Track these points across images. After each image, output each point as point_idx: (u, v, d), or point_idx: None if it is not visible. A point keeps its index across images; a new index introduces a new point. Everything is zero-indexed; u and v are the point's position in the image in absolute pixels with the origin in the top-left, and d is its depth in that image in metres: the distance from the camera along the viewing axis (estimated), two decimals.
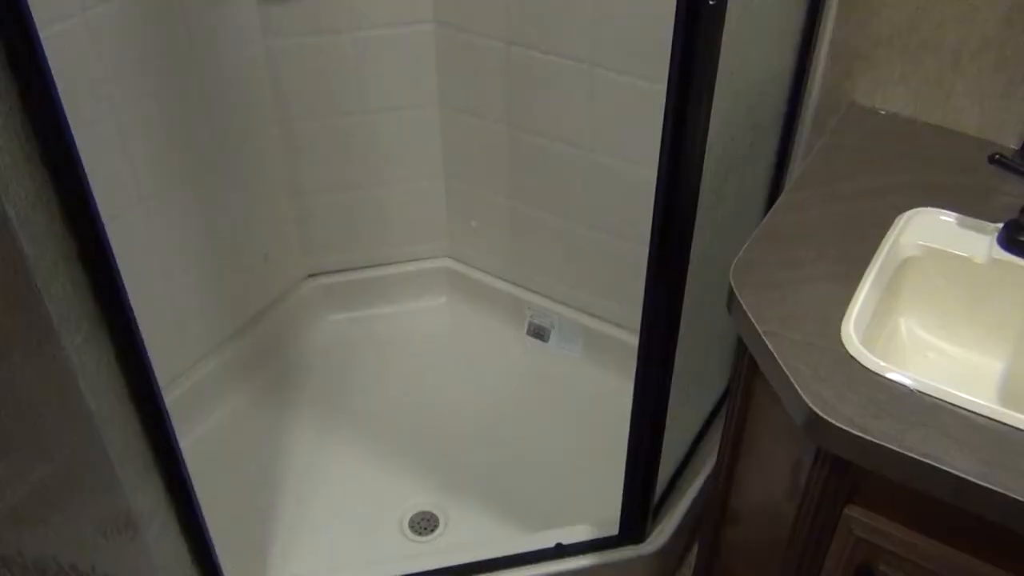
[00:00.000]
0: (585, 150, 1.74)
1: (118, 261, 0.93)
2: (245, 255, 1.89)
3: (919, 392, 0.88)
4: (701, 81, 0.99)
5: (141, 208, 1.59)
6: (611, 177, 1.74)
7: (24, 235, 0.81)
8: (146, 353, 1.01)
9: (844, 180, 1.18)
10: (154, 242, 1.64)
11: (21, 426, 0.84)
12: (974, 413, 0.86)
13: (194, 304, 1.79)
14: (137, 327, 0.98)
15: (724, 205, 1.25)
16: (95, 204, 0.88)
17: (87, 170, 0.87)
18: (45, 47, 0.80)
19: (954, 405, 0.86)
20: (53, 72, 0.81)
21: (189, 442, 1.57)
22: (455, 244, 2.12)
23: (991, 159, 1.04)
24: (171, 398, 1.75)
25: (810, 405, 0.86)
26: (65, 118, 0.81)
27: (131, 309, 0.97)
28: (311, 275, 2.09)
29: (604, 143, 1.71)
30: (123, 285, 0.95)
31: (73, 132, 0.84)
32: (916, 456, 0.81)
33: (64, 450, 0.91)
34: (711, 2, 0.92)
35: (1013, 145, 1.23)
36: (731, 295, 1.02)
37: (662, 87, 0.99)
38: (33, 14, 0.79)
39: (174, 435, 1.11)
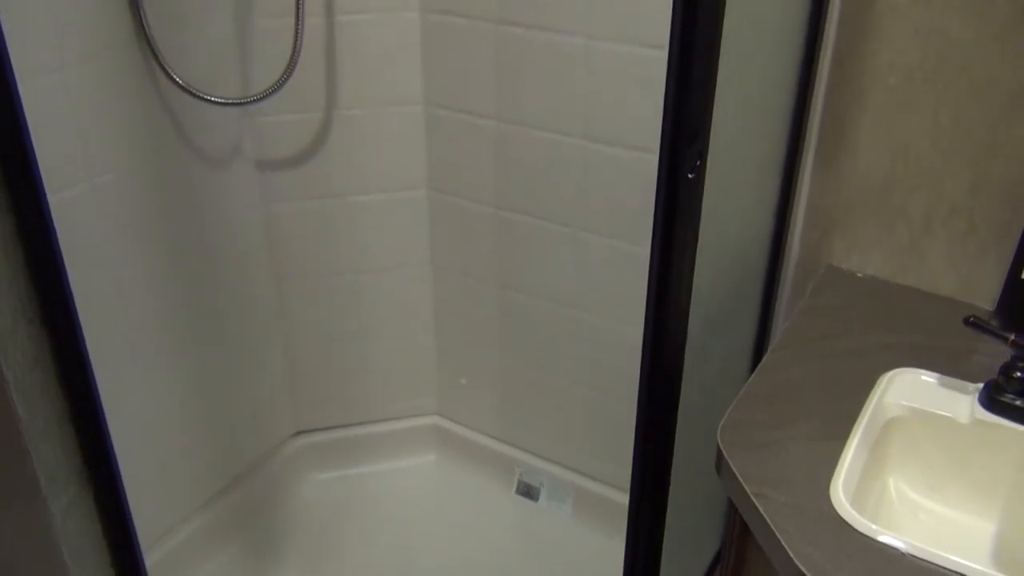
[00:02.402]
0: (573, 309, 1.78)
1: (108, 419, 0.94)
2: (233, 412, 1.89)
3: (912, 556, 0.87)
4: (683, 246, 1.03)
5: (134, 365, 1.60)
6: (599, 336, 1.77)
7: (19, 398, 0.82)
8: (131, 518, 1.00)
9: (826, 341, 1.21)
10: (143, 398, 1.64)
11: None
12: None
13: (180, 462, 1.77)
14: (124, 491, 0.98)
15: (710, 364, 1.27)
16: (91, 367, 0.89)
17: (84, 329, 0.89)
18: (53, 214, 0.84)
19: (948, 570, 0.86)
20: (58, 236, 0.84)
21: None
22: (444, 401, 2.12)
23: (966, 321, 1.07)
24: (155, 558, 1.70)
25: (803, 569, 0.86)
26: (68, 284, 0.84)
27: (119, 472, 0.96)
28: (298, 432, 2.08)
29: (591, 303, 1.75)
30: (112, 447, 0.95)
31: (75, 294, 0.86)
32: None
33: None
34: (690, 175, 0.97)
35: (988, 307, 1.27)
36: (719, 456, 1.03)
37: (647, 250, 1.03)
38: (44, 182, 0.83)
39: None
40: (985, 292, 1.27)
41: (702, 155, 0.98)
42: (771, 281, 1.44)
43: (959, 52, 1.16)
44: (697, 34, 0.90)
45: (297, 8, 1.53)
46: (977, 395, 1.07)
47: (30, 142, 0.79)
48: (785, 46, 1.22)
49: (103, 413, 0.92)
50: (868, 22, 1.20)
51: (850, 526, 0.91)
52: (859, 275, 1.36)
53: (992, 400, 1.05)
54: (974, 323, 1.07)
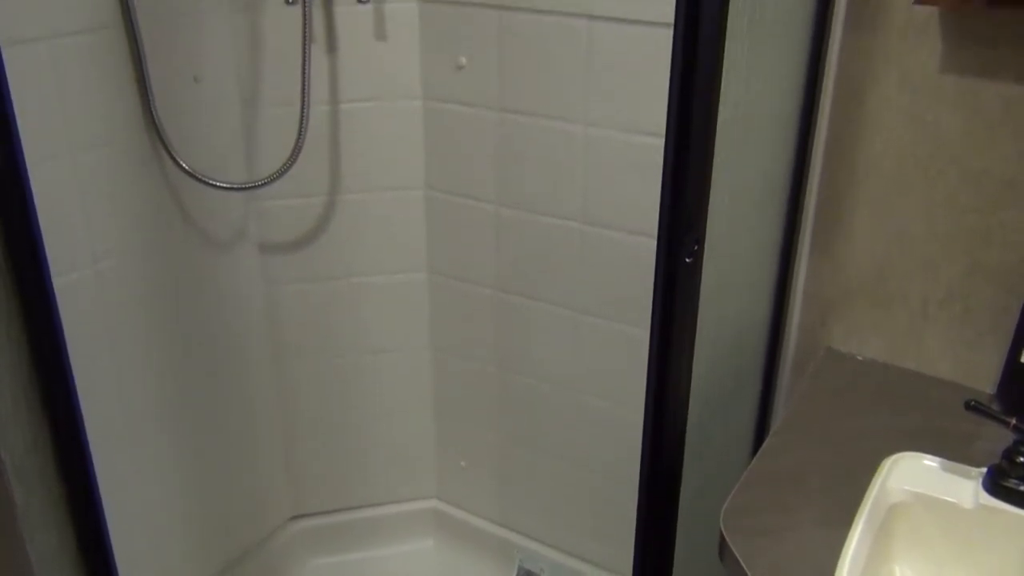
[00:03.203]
0: (573, 392, 1.78)
1: (104, 503, 0.93)
2: (230, 495, 1.86)
3: None
4: (682, 330, 1.04)
5: (131, 447, 1.59)
6: (600, 419, 1.76)
7: (16, 483, 0.82)
8: None
9: (827, 424, 1.21)
10: (138, 480, 1.62)
11: None
12: None
13: (175, 545, 1.74)
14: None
15: (711, 448, 1.26)
16: (90, 453, 0.89)
17: (83, 413, 0.89)
18: (58, 298, 0.85)
19: None
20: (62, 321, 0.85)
21: None
22: (443, 485, 2.10)
23: (967, 406, 1.07)
24: None
25: None
26: (70, 370, 0.84)
27: (114, 558, 0.95)
28: (295, 516, 2.05)
29: (591, 385, 1.75)
30: (108, 532, 0.94)
31: (76, 379, 0.87)
32: None
33: None
34: (687, 259, 0.98)
35: (988, 390, 1.27)
36: (722, 542, 1.01)
37: (646, 332, 1.04)
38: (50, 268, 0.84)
39: None
40: (984, 375, 1.27)
41: (699, 241, 0.99)
42: (771, 364, 1.45)
43: (950, 141, 1.19)
44: (693, 124, 0.92)
45: (303, 97, 1.57)
46: (981, 480, 1.06)
47: (38, 228, 0.80)
48: (779, 134, 1.25)
49: (100, 499, 0.91)
50: (860, 111, 1.24)
51: None
52: (859, 358, 1.36)
53: (996, 485, 1.04)
54: (975, 407, 1.07)
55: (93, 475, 0.90)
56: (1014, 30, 1.10)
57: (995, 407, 1.14)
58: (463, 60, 1.65)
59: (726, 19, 0.90)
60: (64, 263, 1.38)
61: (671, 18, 0.88)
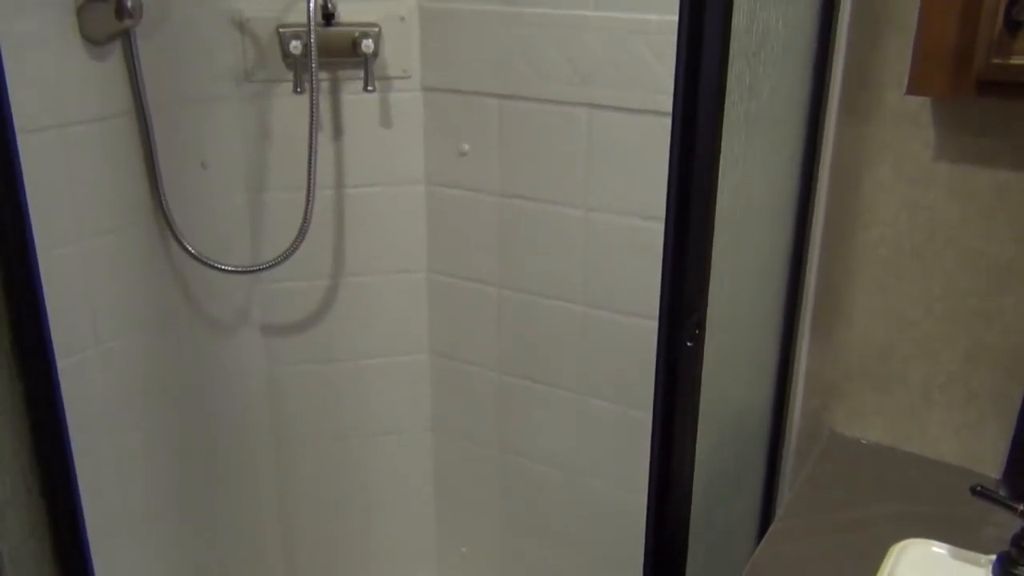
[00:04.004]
0: (576, 475, 1.76)
1: None
2: None
3: None
4: (684, 414, 1.03)
5: (128, 532, 1.56)
6: (603, 503, 1.74)
7: (12, 570, 0.81)
8: None
9: (832, 511, 1.19)
10: (137, 566, 1.60)
11: None
12: None
13: None
14: None
15: (715, 533, 1.25)
16: (87, 540, 0.88)
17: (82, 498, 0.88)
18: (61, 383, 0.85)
19: None
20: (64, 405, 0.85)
21: None
22: (443, 571, 2.06)
23: (973, 491, 1.06)
24: None
25: None
26: (71, 456, 0.84)
27: None
28: None
29: (594, 469, 1.73)
30: None
31: (76, 465, 0.86)
32: None
33: None
34: (688, 343, 0.99)
35: (993, 474, 1.26)
36: None
37: (649, 415, 1.04)
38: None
39: None
40: (989, 459, 1.26)
41: (700, 324, 1.00)
42: (774, 448, 1.44)
43: (946, 226, 1.20)
44: (692, 210, 0.94)
45: (309, 182, 1.60)
46: (991, 567, 1.04)
47: (45, 314, 0.81)
48: (777, 219, 1.27)
49: None
50: (856, 197, 1.26)
51: None
52: (863, 442, 1.35)
53: (1006, 573, 1.02)
54: (981, 492, 1.06)
55: (89, 562, 0.89)
56: (1004, 119, 1.13)
57: (1002, 492, 1.13)
58: (466, 146, 1.68)
59: (723, 110, 0.93)
60: (68, 345, 1.38)
61: (669, 108, 0.90)
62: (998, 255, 1.18)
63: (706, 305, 1.00)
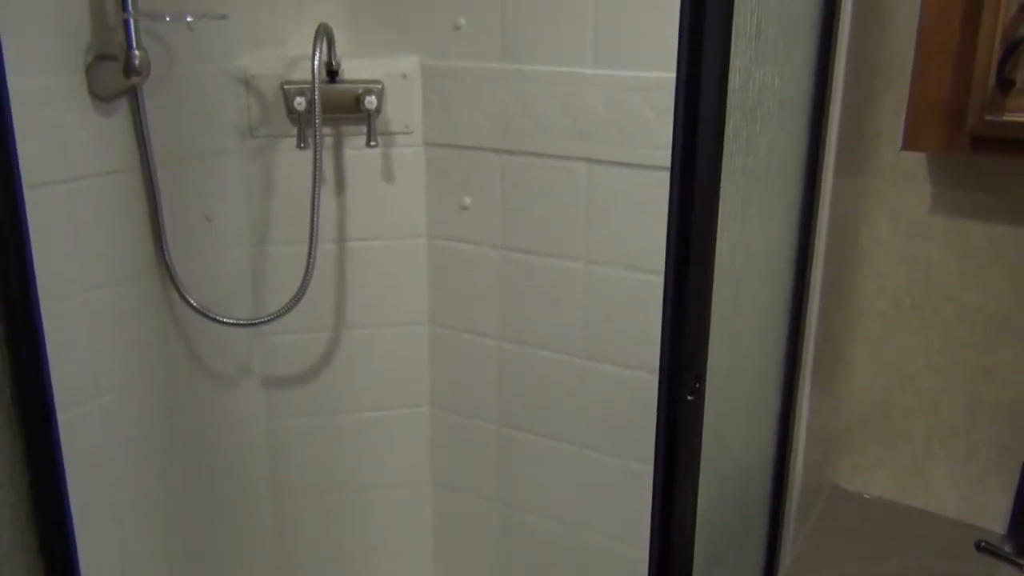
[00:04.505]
0: (577, 529, 1.74)
1: None
2: None
3: None
4: (685, 469, 1.03)
5: None
6: (603, 558, 1.72)
7: None
8: None
9: (837, 566, 1.18)
10: None
11: None
12: None
13: None
14: None
15: None
16: None
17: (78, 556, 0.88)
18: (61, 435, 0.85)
19: None
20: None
21: None
22: None
23: (978, 547, 1.06)
24: None
25: None
26: (70, 514, 0.84)
27: None
28: None
29: (595, 522, 1.72)
30: None
31: (74, 519, 0.86)
32: None
33: None
34: (689, 397, 0.99)
35: (998, 529, 1.25)
36: None
37: (650, 468, 1.03)
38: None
39: None
40: (993, 514, 1.25)
41: (700, 378, 1.00)
42: (777, 502, 1.43)
43: (944, 280, 1.21)
44: (691, 263, 0.95)
45: (311, 236, 1.61)
46: None
47: (47, 368, 0.81)
48: (777, 273, 1.28)
49: None
50: (854, 251, 1.27)
51: None
52: (866, 496, 1.34)
53: None
54: (986, 548, 1.06)
55: None
56: (998, 174, 1.15)
57: (1006, 548, 1.12)
58: (467, 200, 1.70)
59: (720, 165, 0.94)
60: (68, 398, 1.38)
61: (668, 162, 0.91)
62: (996, 309, 1.18)
63: (706, 358, 1.01)
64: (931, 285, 1.22)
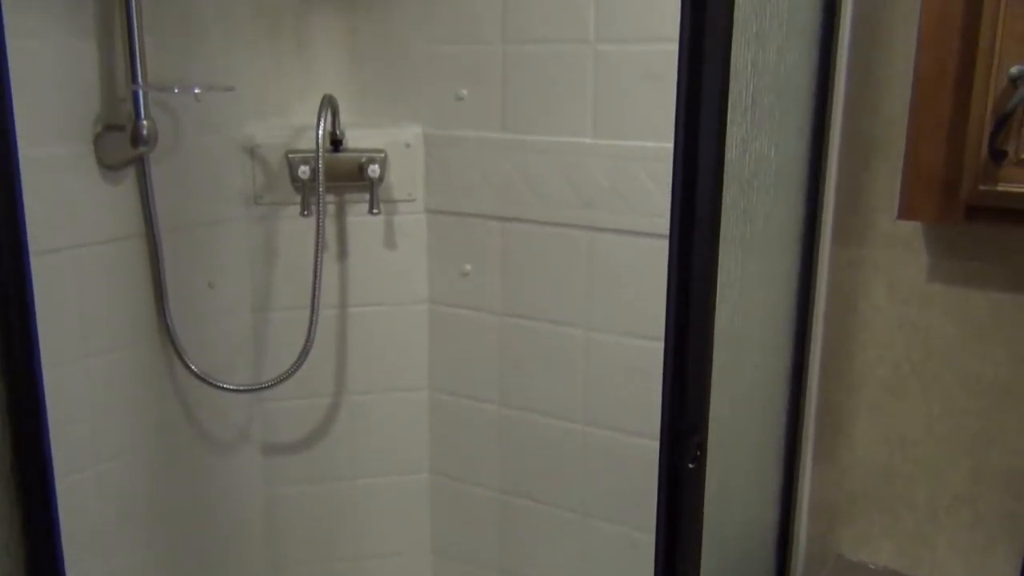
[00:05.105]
0: None
1: None
2: None
3: None
4: (688, 538, 1.02)
5: None
6: None
7: None
8: None
9: None
10: None
11: None
12: None
13: None
14: None
15: None
16: None
17: None
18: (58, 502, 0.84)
19: None
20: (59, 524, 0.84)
21: None
22: None
23: None
24: None
25: None
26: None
27: None
28: None
29: None
30: None
31: None
32: None
33: None
34: (690, 465, 0.98)
35: None
36: None
37: (651, 536, 1.02)
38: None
39: None
40: None
41: (701, 446, 1.00)
42: (780, 573, 1.41)
43: (943, 347, 1.22)
44: (691, 330, 0.95)
45: (313, 302, 1.62)
46: None
47: (47, 438, 0.81)
48: (776, 339, 1.28)
49: None
50: (853, 319, 1.27)
51: None
52: (871, 566, 1.33)
53: None
54: None
55: None
56: (994, 243, 1.16)
57: None
58: (468, 267, 1.71)
59: (719, 233, 0.95)
60: (65, 464, 1.37)
61: (667, 230, 0.93)
62: (995, 376, 1.19)
63: (707, 426, 1.00)
64: (930, 352, 1.23)
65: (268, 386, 1.64)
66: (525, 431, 1.72)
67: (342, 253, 1.73)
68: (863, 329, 1.27)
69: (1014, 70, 1.04)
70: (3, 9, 0.87)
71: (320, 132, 1.56)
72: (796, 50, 1.16)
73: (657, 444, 0.97)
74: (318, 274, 1.62)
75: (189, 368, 1.54)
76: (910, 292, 1.22)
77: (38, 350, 0.83)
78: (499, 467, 1.77)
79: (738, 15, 0.89)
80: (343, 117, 1.66)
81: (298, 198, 1.66)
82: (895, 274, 1.23)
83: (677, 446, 0.97)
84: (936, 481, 1.25)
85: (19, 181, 0.90)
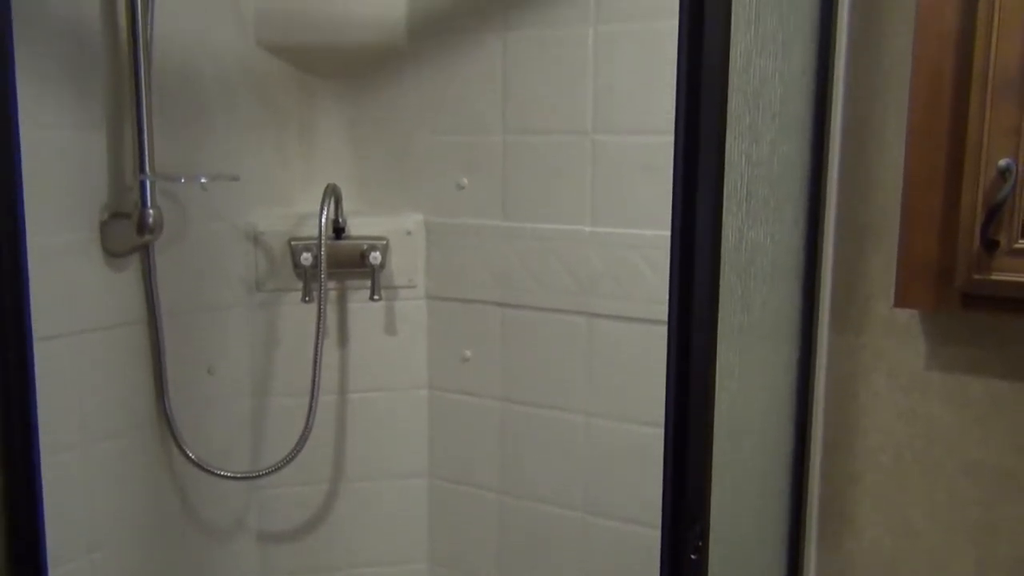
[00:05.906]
0: None
1: None
2: None
3: None
4: None
5: None
6: None
7: None
8: None
9: None
10: None
11: None
12: None
13: None
14: None
15: None
16: None
17: None
18: None
19: None
20: None
21: None
22: None
23: None
24: None
25: None
26: None
27: None
28: None
29: None
30: None
31: None
32: None
33: None
34: (692, 556, 0.97)
35: None
36: None
37: None
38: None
39: None
40: None
41: (703, 536, 0.99)
42: None
43: (944, 434, 1.21)
44: (691, 419, 0.95)
45: (313, 389, 1.62)
46: None
47: (43, 528, 0.80)
48: (777, 428, 1.28)
49: None
50: (854, 407, 1.27)
51: None
52: None
53: None
54: None
55: None
56: (991, 330, 1.16)
57: None
58: (468, 353, 1.72)
59: (716, 321, 0.96)
60: (59, 553, 1.36)
61: (664, 316, 0.93)
62: (998, 464, 1.18)
63: (709, 514, 0.99)
64: (932, 440, 1.22)
65: (265, 473, 1.63)
66: (524, 519, 1.70)
67: (343, 339, 1.74)
68: (864, 416, 1.26)
69: (1003, 162, 1.07)
70: (17, 100, 0.89)
71: (323, 220, 1.59)
72: (789, 142, 1.19)
73: (658, 533, 0.96)
74: (318, 360, 1.62)
75: (187, 455, 1.53)
76: (909, 379, 1.22)
77: (37, 436, 0.83)
78: (498, 556, 1.74)
79: (731, 108, 0.92)
80: (346, 205, 1.69)
81: (300, 284, 1.68)
82: (894, 361, 1.23)
83: (678, 535, 0.96)
84: (942, 572, 1.23)
85: (27, 269, 0.91)
